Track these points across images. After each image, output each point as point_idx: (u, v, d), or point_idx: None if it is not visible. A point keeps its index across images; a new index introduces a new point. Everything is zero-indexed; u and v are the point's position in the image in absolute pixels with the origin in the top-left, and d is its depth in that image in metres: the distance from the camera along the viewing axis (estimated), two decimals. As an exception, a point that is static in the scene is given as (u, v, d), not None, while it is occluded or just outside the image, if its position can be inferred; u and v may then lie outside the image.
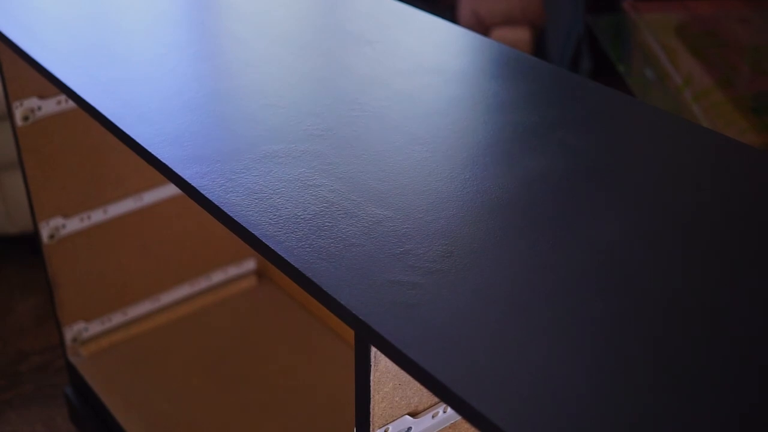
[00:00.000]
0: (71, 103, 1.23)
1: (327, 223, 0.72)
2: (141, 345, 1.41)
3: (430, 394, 0.62)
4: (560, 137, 0.84)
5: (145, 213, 1.37)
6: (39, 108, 1.22)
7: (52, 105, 1.23)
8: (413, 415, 0.69)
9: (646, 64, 2.15)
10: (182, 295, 1.47)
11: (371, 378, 0.64)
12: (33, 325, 1.80)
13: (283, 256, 0.68)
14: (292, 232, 0.70)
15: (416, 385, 0.68)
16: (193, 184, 0.76)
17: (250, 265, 1.54)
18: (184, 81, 0.93)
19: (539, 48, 2.43)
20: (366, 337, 0.62)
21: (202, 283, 1.49)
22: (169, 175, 0.79)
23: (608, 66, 2.35)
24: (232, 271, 1.52)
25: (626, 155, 0.83)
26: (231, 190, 0.76)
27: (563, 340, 0.60)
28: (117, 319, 1.41)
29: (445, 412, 0.72)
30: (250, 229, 0.71)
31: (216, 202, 0.74)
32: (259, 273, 1.55)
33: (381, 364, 0.64)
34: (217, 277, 1.50)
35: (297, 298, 1.50)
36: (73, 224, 1.30)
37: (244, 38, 1.04)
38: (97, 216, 1.32)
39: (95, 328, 1.39)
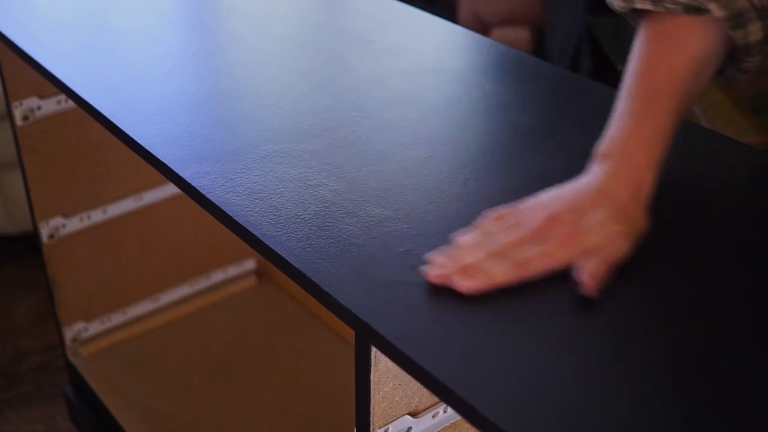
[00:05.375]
0: (71, 103, 1.23)
1: (327, 223, 0.72)
2: (141, 345, 1.41)
3: (431, 393, 0.62)
4: (560, 137, 0.84)
5: (145, 213, 1.37)
6: (39, 108, 1.22)
7: (51, 105, 1.23)
8: (413, 415, 0.69)
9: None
10: (182, 295, 1.47)
11: (371, 378, 0.64)
12: (33, 325, 1.80)
13: (283, 256, 0.68)
14: (292, 232, 0.70)
15: (416, 384, 0.68)
16: (194, 184, 0.76)
17: (250, 265, 1.53)
18: (184, 81, 0.93)
19: (539, 48, 2.42)
20: (366, 337, 0.62)
21: (202, 283, 1.49)
22: (169, 175, 0.79)
23: (608, 66, 2.35)
24: (232, 271, 1.52)
25: (626, 155, 0.83)
26: (231, 190, 0.76)
27: (565, 341, 0.60)
28: (117, 319, 1.41)
29: (445, 412, 0.72)
30: (250, 229, 0.71)
31: (216, 202, 0.74)
32: (259, 273, 1.55)
33: (381, 364, 0.64)
34: (217, 277, 1.50)
35: (297, 298, 1.50)
36: (73, 224, 1.30)
37: (244, 38, 1.04)
38: (97, 216, 1.32)
39: (95, 328, 1.39)
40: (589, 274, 0.63)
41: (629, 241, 0.66)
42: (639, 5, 0.69)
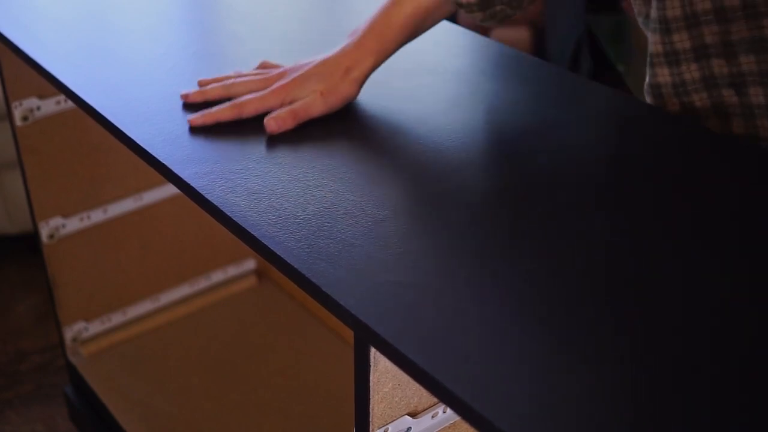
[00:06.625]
0: (71, 103, 1.23)
1: (327, 224, 0.72)
2: (141, 345, 1.41)
3: (430, 394, 0.62)
4: (560, 137, 0.84)
5: (145, 213, 1.37)
6: (38, 108, 1.22)
7: (51, 105, 1.23)
8: (413, 415, 0.69)
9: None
10: (182, 295, 1.47)
11: (370, 378, 0.64)
12: (33, 324, 1.80)
13: (282, 256, 0.68)
14: (291, 233, 0.70)
15: (416, 385, 0.68)
16: (193, 185, 0.76)
17: (250, 265, 1.53)
18: (184, 81, 0.93)
19: (539, 48, 2.42)
20: (365, 338, 0.62)
21: (202, 283, 1.49)
22: (169, 175, 0.79)
23: (608, 66, 2.35)
24: (232, 271, 1.52)
25: (626, 155, 0.83)
26: (230, 191, 0.76)
27: (565, 342, 0.60)
28: (117, 319, 1.41)
29: (444, 412, 0.72)
30: (249, 230, 0.71)
31: (215, 203, 0.74)
32: (259, 273, 1.55)
33: (380, 365, 0.64)
34: (217, 277, 1.50)
35: (297, 298, 1.50)
36: (73, 224, 1.30)
37: (244, 38, 1.04)
38: (97, 216, 1.32)
39: (95, 328, 1.39)
40: (272, 117, 0.83)
41: (327, 103, 0.85)
42: None
